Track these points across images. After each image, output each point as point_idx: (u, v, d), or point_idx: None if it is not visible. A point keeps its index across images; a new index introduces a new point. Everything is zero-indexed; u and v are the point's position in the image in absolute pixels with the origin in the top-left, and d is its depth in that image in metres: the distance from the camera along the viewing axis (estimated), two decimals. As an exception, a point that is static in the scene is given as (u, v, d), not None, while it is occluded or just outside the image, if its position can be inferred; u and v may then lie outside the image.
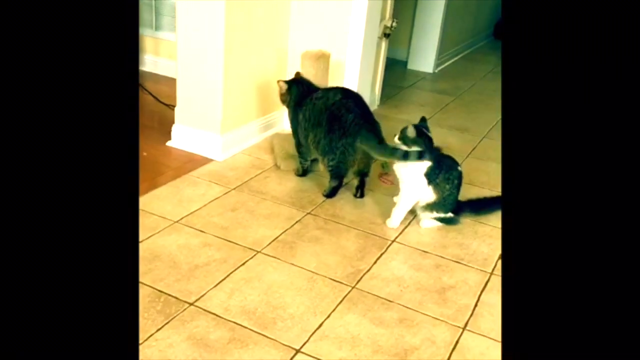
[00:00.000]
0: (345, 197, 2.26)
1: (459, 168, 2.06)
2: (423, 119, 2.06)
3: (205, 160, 2.44)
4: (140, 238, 1.86)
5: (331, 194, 2.23)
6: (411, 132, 1.94)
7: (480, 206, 2.18)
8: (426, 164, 1.97)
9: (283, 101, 2.34)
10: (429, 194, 2.01)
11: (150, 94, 3.02)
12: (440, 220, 2.08)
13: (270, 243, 1.91)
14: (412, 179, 2.00)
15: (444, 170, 2.00)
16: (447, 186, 2.01)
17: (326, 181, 2.32)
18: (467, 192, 2.38)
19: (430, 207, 2.04)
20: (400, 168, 2.02)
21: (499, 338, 1.57)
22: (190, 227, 1.96)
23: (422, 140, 1.95)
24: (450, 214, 2.07)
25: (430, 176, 1.99)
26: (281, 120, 2.85)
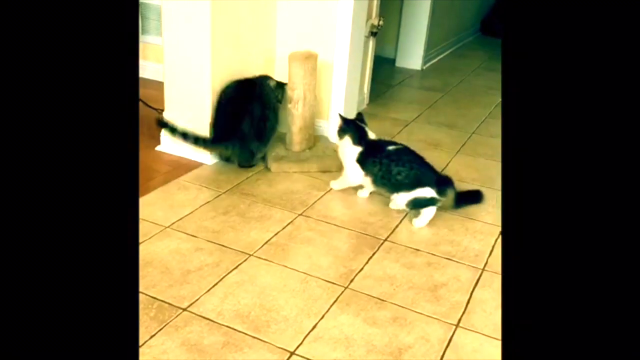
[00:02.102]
0: (336, 198, 2.26)
1: (390, 147, 2.16)
2: (359, 114, 2.33)
3: (195, 164, 2.43)
4: (132, 244, 1.85)
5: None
6: (339, 122, 2.25)
7: (459, 199, 2.20)
8: (357, 149, 2.17)
9: None
10: (365, 178, 2.18)
11: (139, 98, 3.00)
12: (417, 204, 2.12)
13: (262, 246, 1.91)
14: (347, 162, 2.23)
15: (372, 155, 2.15)
16: (376, 168, 2.13)
17: (318, 182, 2.33)
18: (458, 189, 2.39)
19: (381, 190, 2.19)
20: (340, 151, 2.26)
21: (493, 334, 1.58)
22: (182, 232, 1.95)
23: (351, 128, 2.20)
24: (417, 192, 2.10)
25: (361, 161, 2.17)
26: (270, 122, 2.84)
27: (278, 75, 2.75)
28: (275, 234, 1.98)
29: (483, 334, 1.58)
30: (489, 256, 1.95)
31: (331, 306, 1.65)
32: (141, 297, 1.62)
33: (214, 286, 1.69)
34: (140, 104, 2.96)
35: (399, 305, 1.67)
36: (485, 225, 2.13)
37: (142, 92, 3.07)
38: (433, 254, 1.94)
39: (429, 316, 1.64)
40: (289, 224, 2.05)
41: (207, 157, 2.46)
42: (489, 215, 2.19)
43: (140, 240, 1.88)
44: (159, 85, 2.64)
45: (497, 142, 2.92)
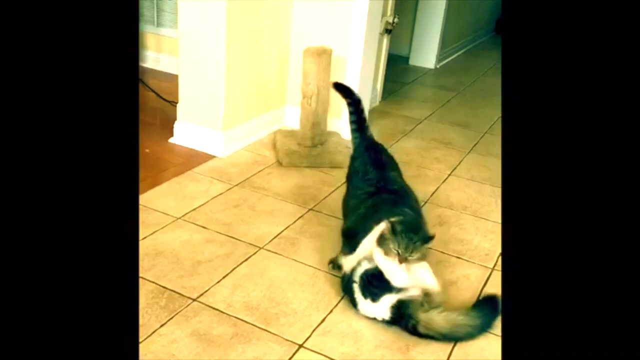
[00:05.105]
0: (347, 193, 2.26)
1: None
2: None
3: (208, 157, 2.45)
4: (143, 234, 1.87)
5: None
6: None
7: None
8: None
9: None
10: None
11: (152, 90, 3.02)
12: None
13: (272, 239, 1.92)
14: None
15: None
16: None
17: (329, 177, 2.34)
18: (469, 188, 2.39)
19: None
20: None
21: (500, 333, 1.58)
22: (193, 223, 1.96)
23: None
24: None
25: None
26: (283, 117, 2.85)
27: (292, 69, 2.76)
28: (286, 228, 1.99)
29: (491, 333, 1.58)
30: (499, 255, 1.95)
31: (340, 300, 1.65)
32: (152, 286, 1.64)
33: (224, 278, 1.70)
34: (154, 96, 2.98)
35: (407, 302, 1.67)
36: (496, 225, 2.13)
37: (156, 85, 3.09)
38: (443, 252, 1.94)
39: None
40: (299, 218, 2.06)
41: (219, 150, 2.47)
42: (499, 215, 2.19)
43: (152, 230, 1.90)
44: (172, 78, 2.65)
45: (510, 143, 2.91)
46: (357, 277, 1.57)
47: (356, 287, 1.56)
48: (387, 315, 1.52)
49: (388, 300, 1.51)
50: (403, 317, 1.50)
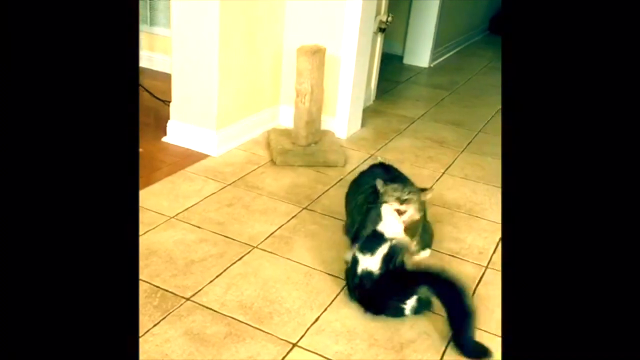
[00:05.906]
0: (341, 193, 2.26)
1: None
2: None
3: (201, 156, 2.44)
4: (137, 234, 1.86)
5: None
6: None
7: None
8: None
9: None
10: None
11: (146, 89, 3.01)
12: None
13: (266, 238, 1.91)
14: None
15: None
16: None
17: (323, 176, 2.33)
18: (463, 187, 2.39)
19: None
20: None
21: (494, 331, 1.58)
22: (187, 222, 1.96)
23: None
24: None
25: None
26: (277, 116, 2.85)
27: (285, 68, 2.76)
28: (280, 227, 1.98)
29: (485, 331, 1.58)
30: (493, 254, 1.95)
31: (334, 299, 1.65)
32: (145, 286, 1.63)
33: (217, 277, 1.70)
34: (147, 95, 2.97)
35: (401, 300, 1.67)
36: (489, 223, 2.13)
37: (149, 84, 3.08)
38: (437, 251, 1.94)
39: (432, 312, 1.64)
40: (293, 217, 2.05)
41: (213, 149, 2.46)
42: (493, 214, 2.19)
43: (145, 230, 1.89)
44: (166, 77, 2.64)
45: (504, 141, 2.91)
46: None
47: (358, 253, 1.63)
48: (379, 263, 1.59)
49: (382, 251, 1.60)
50: (391, 260, 1.61)
